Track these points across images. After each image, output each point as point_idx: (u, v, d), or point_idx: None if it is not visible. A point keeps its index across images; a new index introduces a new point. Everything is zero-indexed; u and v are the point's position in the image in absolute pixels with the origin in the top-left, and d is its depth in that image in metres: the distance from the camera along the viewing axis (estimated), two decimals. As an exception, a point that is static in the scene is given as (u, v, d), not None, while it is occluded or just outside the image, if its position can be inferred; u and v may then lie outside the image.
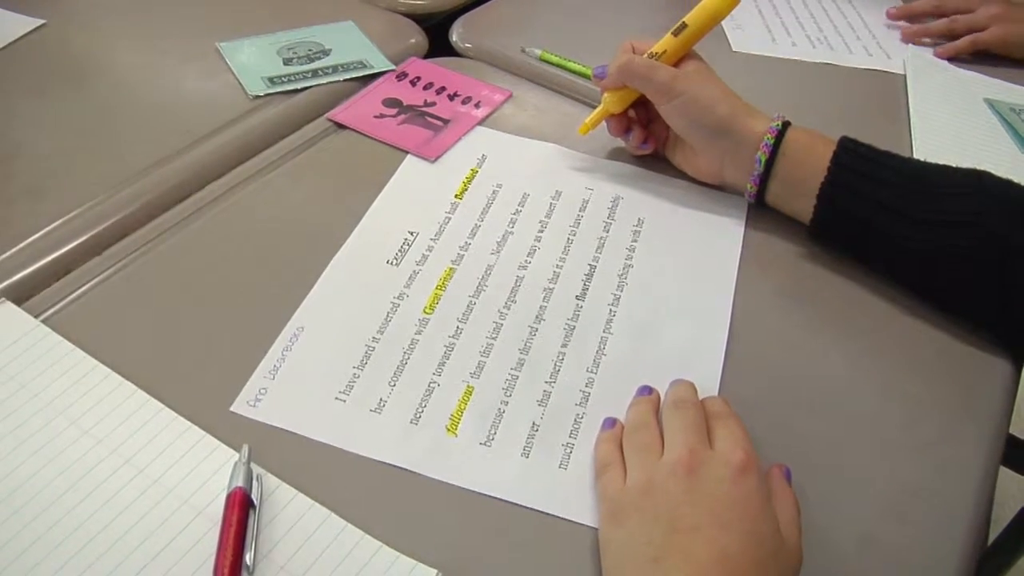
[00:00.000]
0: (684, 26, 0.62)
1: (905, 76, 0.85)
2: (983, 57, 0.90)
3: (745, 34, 0.86)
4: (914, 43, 0.93)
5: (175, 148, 0.64)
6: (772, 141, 0.59)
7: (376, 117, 0.70)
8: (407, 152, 0.67)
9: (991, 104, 0.81)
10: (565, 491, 0.46)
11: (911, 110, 0.79)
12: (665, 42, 0.63)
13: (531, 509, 0.45)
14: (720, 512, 0.41)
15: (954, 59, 0.90)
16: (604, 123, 0.68)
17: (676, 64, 0.63)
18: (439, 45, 0.82)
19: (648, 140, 0.67)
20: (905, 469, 0.49)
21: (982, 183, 0.56)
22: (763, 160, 0.60)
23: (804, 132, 0.60)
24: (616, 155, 0.69)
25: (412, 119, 0.70)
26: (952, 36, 0.91)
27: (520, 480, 0.46)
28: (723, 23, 0.86)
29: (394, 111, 0.71)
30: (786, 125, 0.60)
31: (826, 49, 0.86)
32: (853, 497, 0.48)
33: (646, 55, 0.63)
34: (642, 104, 0.66)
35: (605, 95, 0.66)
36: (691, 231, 0.63)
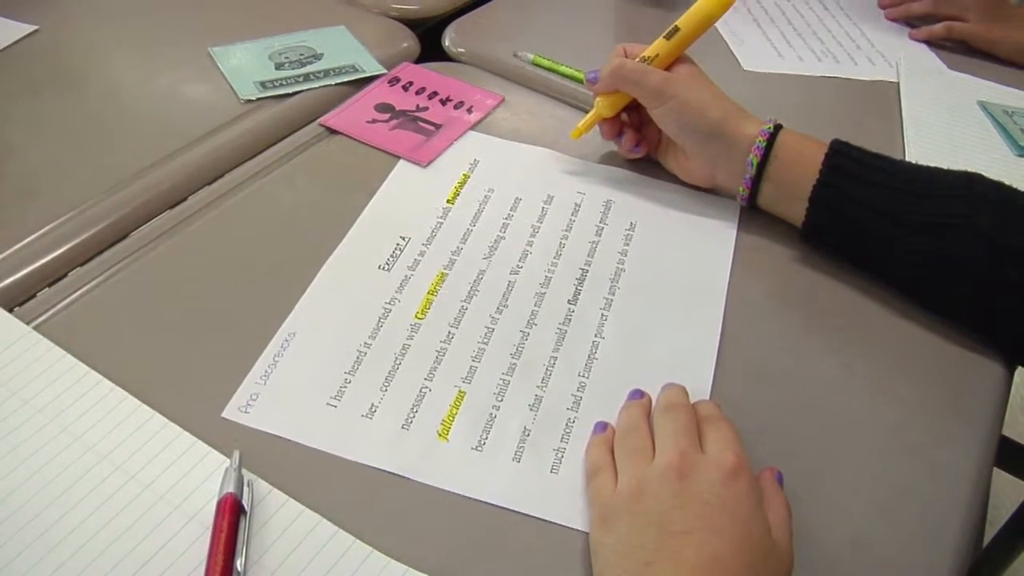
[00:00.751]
0: (676, 30, 0.62)
1: (897, 78, 0.85)
2: (975, 59, 0.90)
3: (751, 50, 0.86)
4: (896, 21, 0.94)
5: (167, 152, 0.64)
6: (764, 144, 0.59)
7: (368, 122, 0.70)
8: (399, 157, 0.67)
9: (984, 106, 0.82)
10: (556, 496, 0.46)
11: (903, 112, 0.79)
12: (657, 46, 0.63)
13: (522, 514, 0.45)
14: (711, 516, 0.41)
15: (942, 53, 0.90)
16: (597, 127, 0.68)
17: (669, 68, 0.63)
18: (431, 50, 0.82)
19: (640, 144, 0.67)
20: (897, 471, 0.49)
21: (973, 185, 0.56)
22: (755, 163, 0.60)
23: (796, 135, 0.60)
24: (608, 159, 0.70)
25: (404, 124, 0.70)
26: (935, 20, 0.92)
27: (511, 485, 0.46)
28: (727, 40, 0.86)
29: (386, 116, 0.71)
30: (778, 128, 0.60)
31: (832, 62, 0.86)
32: (845, 500, 0.48)
33: (638, 59, 0.63)
34: (634, 108, 0.66)
35: (597, 99, 0.66)
36: (683, 235, 0.63)
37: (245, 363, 0.50)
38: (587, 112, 0.68)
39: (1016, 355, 0.57)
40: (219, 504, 0.42)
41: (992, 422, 0.54)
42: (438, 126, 0.70)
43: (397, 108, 0.72)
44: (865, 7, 0.98)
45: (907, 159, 0.72)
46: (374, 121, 0.70)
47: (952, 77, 0.87)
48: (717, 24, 0.88)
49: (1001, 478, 1.16)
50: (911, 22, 0.95)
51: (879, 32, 0.94)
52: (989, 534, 1.00)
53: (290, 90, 0.72)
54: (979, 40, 0.90)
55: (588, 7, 0.91)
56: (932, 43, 0.92)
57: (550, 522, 0.45)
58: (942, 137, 0.77)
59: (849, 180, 0.57)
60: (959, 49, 0.92)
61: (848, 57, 0.87)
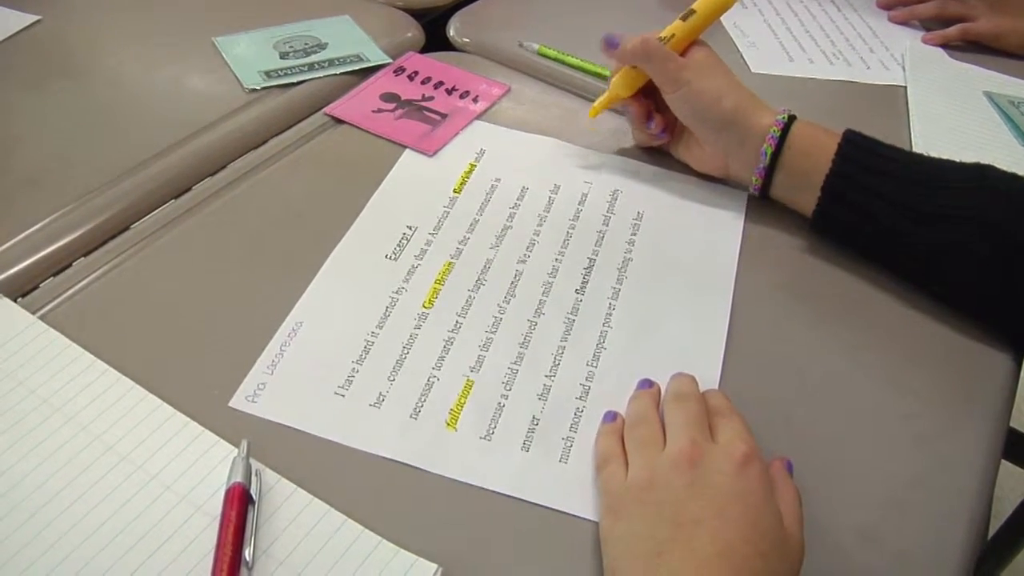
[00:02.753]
0: (692, 12, 0.62)
1: (905, 82, 0.84)
2: (981, 49, 0.90)
3: (760, 53, 0.86)
4: (901, 24, 0.93)
5: (171, 142, 0.64)
6: (778, 134, 0.59)
7: (374, 112, 0.69)
8: (405, 147, 0.67)
9: (990, 97, 0.81)
10: (565, 485, 0.46)
11: (910, 103, 0.79)
12: (674, 27, 0.62)
13: (531, 503, 0.45)
14: (723, 505, 0.41)
15: (949, 49, 0.90)
16: (623, 112, 0.67)
17: (684, 51, 0.63)
18: (435, 40, 0.82)
19: (666, 129, 0.66)
20: (906, 462, 0.49)
21: (986, 177, 0.56)
22: (769, 152, 0.60)
23: (810, 125, 0.60)
24: (615, 149, 0.69)
25: (410, 113, 0.70)
26: (942, 21, 0.91)
27: (520, 474, 0.46)
28: (737, 41, 0.86)
29: (392, 106, 0.70)
30: (792, 119, 0.60)
31: (843, 65, 0.86)
32: (854, 490, 0.48)
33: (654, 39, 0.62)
34: (649, 94, 0.65)
35: (614, 79, 0.65)
36: (690, 225, 0.63)
37: (252, 353, 0.50)
38: (592, 101, 0.67)
39: None
40: (227, 494, 0.42)
41: (1000, 413, 0.54)
42: (444, 115, 0.70)
43: (403, 98, 0.71)
44: (876, 9, 0.97)
45: (915, 150, 0.72)
46: (379, 111, 0.70)
47: (957, 68, 0.87)
48: (727, 25, 0.88)
49: (1004, 471, 1.16)
50: (923, 24, 0.94)
51: (891, 32, 0.93)
52: (993, 527, 1.00)
53: (295, 79, 0.71)
54: (990, 37, 0.90)
55: (593, -3, 0.90)
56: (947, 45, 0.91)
57: (559, 511, 0.45)
58: (949, 128, 0.76)
59: (861, 170, 0.57)
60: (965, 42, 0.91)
61: (860, 60, 0.87)
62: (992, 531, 1.00)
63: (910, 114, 0.78)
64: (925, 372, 0.54)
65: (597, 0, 0.90)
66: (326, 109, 0.70)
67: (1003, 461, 0.57)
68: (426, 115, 0.70)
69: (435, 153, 0.66)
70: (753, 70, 0.83)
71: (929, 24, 0.93)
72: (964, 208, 0.54)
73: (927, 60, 0.87)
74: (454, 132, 0.68)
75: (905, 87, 0.83)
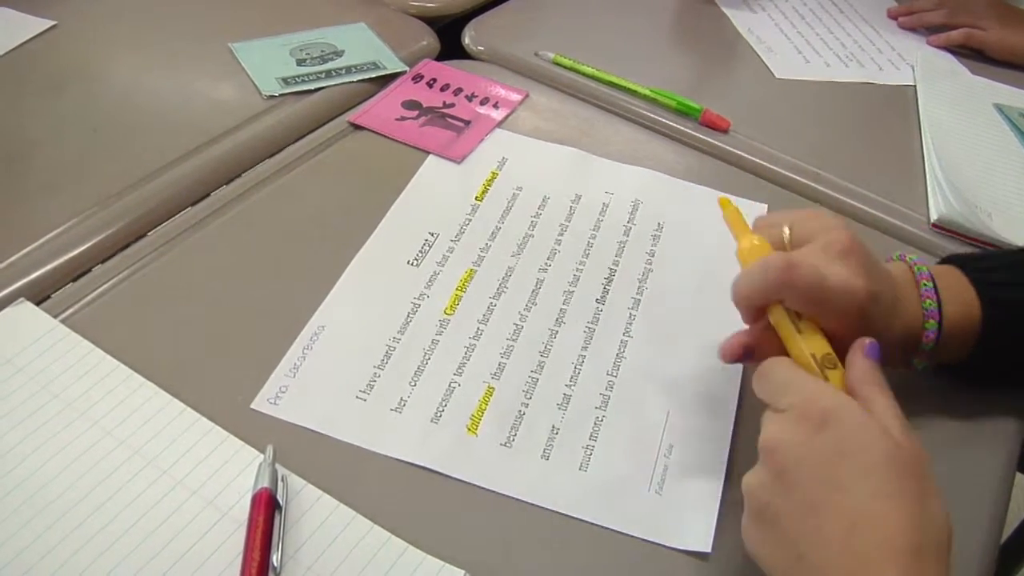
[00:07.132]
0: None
1: (914, 81, 0.85)
2: (992, 61, 0.91)
3: (781, 58, 0.86)
4: (909, 29, 0.94)
5: (189, 148, 0.64)
6: (934, 307, 0.50)
7: (397, 119, 0.70)
8: (428, 153, 0.67)
9: (1000, 109, 0.82)
10: (585, 493, 0.46)
11: (921, 114, 0.79)
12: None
13: (553, 511, 0.45)
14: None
15: (960, 59, 0.90)
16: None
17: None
18: (448, 48, 0.82)
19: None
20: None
21: None
22: (929, 348, 0.50)
23: (950, 292, 0.51)
24: (636, 160, 0.69)
25: (433, 121, 0.70)
26: (949, 28, 0.92)
27: (540, 481, 0.46)
28: (756, 47, 0.86)
29: (414, 113, 0.70)
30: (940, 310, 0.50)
31: (857, 67, 0.86)
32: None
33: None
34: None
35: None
36: (710, 236, 0.62)
37: (273, 357, 0.50)
38: (609, 111, 0.67)
39: None
40: (254, 499, 0.42)
41: (1018, 421, 0.54)
42: (467, 122, 0.70)
43: (424, 105, 0.71)
44: (881, 12, 0.98)
45: (927, 161, 0.72)
46: (403, 118, 0.70)
47: (968, 80, 0.87)
48: (744, 34, 0.89)
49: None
50: (930, 32, 0.95)
51: (897, 34, 0.94)
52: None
53: (312, 86, 0.72)
54: (996, 49, 0.90)
55: (606, 7, 0.91)
56: (950, 49, 0.92)
57: (580, 519, 0.45)
58: (960, 139, 0.77)
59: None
60: (974, 54, 0.92)
61: (872, 61, 0.87)
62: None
63: (922, 125, 0.78)
64: (942, 379, 0.55)
65: (611, 10, 0.90)
66: (350, 118, 0.70)
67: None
68: (449, 122, 0.70)
69: (462, 160, 0.66)
70: (777, 76, 0.83)
71: (936, 31, 0.94)
72: None
73: (938, 71, 0.87)
74: (479, 138, 0.69)
75: (915, 86, 0.84)
